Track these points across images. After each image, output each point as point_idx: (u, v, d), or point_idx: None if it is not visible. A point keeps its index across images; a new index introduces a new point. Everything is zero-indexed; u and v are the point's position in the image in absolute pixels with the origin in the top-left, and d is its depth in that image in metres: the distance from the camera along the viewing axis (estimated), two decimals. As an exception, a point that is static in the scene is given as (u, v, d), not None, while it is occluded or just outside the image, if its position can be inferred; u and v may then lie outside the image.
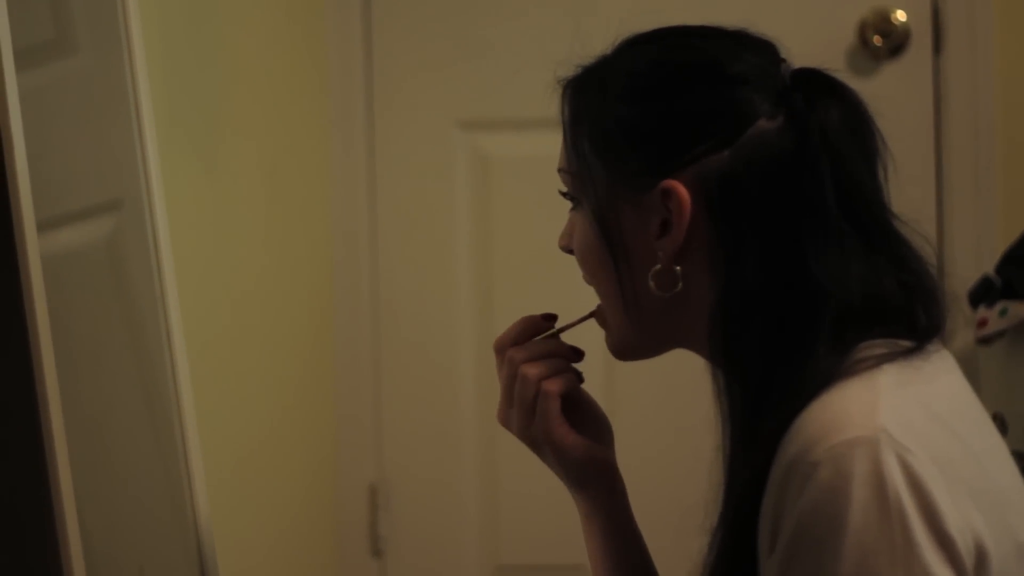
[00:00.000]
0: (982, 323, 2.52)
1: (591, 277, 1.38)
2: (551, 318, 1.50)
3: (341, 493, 3.07)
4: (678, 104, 1.30)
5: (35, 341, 1.57)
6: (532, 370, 1.46)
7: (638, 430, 2.91)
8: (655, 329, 1.36)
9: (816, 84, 1.30)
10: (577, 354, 1.49)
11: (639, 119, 1.31)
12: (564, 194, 1.40)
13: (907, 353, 1.23)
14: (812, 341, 1.23)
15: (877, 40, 2.84)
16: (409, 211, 3.08)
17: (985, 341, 2.52)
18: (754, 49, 1.33)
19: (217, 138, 2.52)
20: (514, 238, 3.04)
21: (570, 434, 1.47)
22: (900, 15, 2.85)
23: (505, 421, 1.49)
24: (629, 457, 2.59)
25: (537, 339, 1.48)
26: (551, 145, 3.32)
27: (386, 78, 3.07)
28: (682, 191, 1.28)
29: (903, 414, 1.18)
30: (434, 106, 3.06)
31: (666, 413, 2.94)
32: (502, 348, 1.49)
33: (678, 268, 1.30)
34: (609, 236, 1.33)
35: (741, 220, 1.27)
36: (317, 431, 3.01)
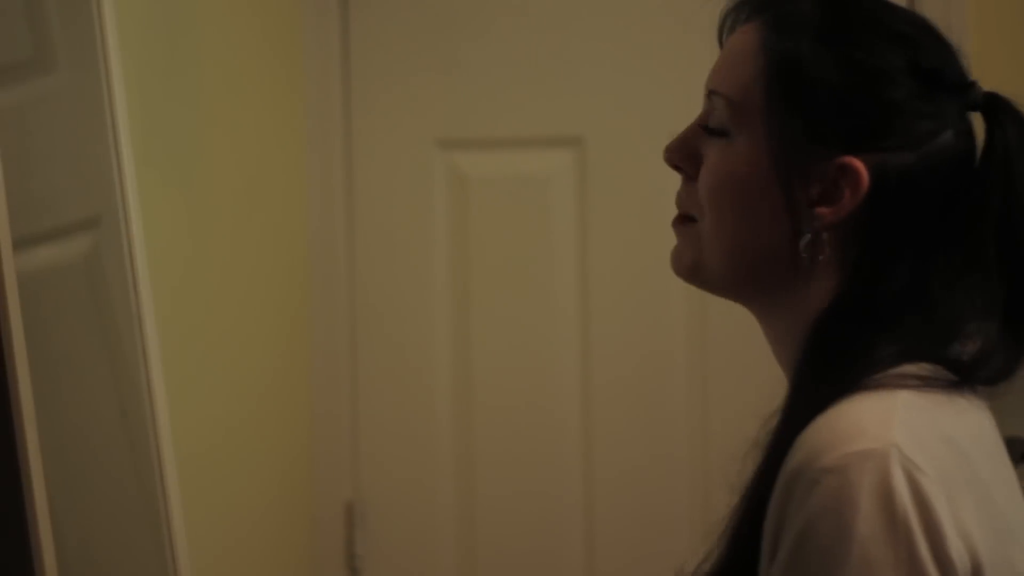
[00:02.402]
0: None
1: (716, 205, 1.34)
2: None
3: (317, 511, 3.07)
4: (894, 93, 1.30)
5: (10, 357, 1.57)
6: None
7: (617, 449, 2.92)
8: (748, 272, 1.33)
9: (1006, 111, 1.32)
10: None
11: (850, 92, 1.31)
12: (704, 126, 1.35)
13: (939, 384, 1.23)
14: (879, 347, 1.24)
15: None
16: (386, 229, 3.09)
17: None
18: (958, 58, 1.35)
19: (194, 155, 2.52)
20: (491, 257, 3.04)
21: None
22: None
23: None
24: (608, 471, 2.59)
25: None
26: (528, 164, 3.31)
27: (364, 96, 3.07)
28: (864, 174, 1.29)
29: (916, 432, 1.17)
30: (412, 124, 3.07)
31: (644, 438, 2.95)
32: None
33: (825, 235, 1.30)
34: (774, 175, 1.31)
35: (904, 221, 1.28)
36: (293, 449, 3.01)
